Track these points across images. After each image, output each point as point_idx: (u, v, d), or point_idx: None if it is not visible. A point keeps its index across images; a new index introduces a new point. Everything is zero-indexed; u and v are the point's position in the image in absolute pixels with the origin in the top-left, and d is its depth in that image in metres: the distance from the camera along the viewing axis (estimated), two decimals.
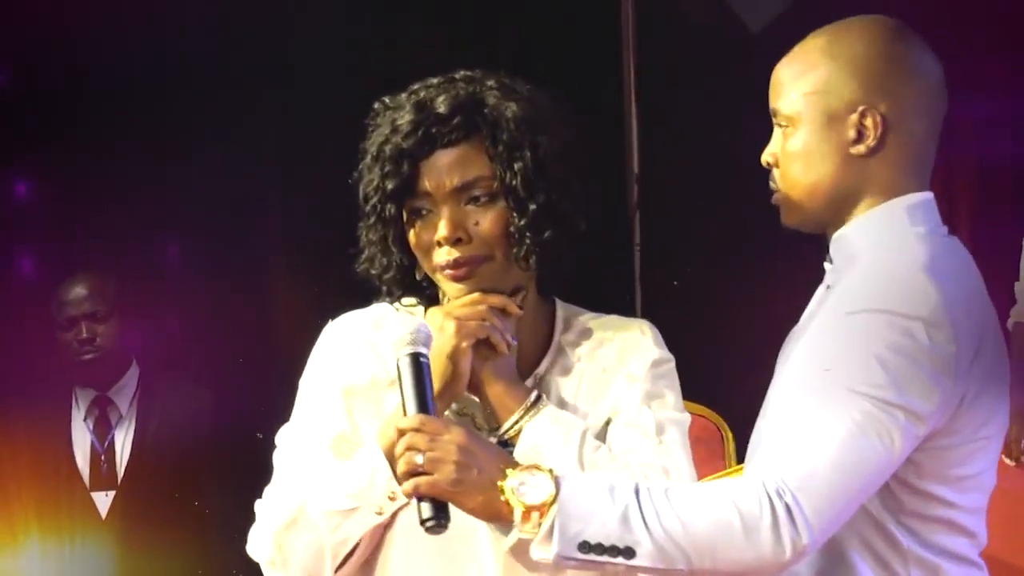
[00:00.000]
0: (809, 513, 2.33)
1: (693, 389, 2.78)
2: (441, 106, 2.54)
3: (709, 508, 2.33)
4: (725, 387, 3.89)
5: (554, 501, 2.33)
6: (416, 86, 2.61)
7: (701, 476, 3.97)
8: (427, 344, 2.46)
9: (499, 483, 2.35)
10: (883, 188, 2.58)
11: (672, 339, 2.67)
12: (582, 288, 2.70)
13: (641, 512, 2.33)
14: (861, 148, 2.56)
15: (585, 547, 2.32)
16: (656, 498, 2.34)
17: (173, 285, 5.36)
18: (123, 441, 5.21)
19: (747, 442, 2.67)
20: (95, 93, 5.48)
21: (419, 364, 2.44)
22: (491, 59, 2.68)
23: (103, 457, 5.20)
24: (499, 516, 2.37)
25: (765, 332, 2.68)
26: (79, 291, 5.23)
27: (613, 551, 2.32)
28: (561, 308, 2.69)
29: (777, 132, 2.62)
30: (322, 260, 2.70)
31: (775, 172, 2.62)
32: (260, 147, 5.52)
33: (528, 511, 2.34)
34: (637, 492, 2.35)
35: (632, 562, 2.32)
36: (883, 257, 2.51)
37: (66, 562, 5.14)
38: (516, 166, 2.53)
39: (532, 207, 2.53)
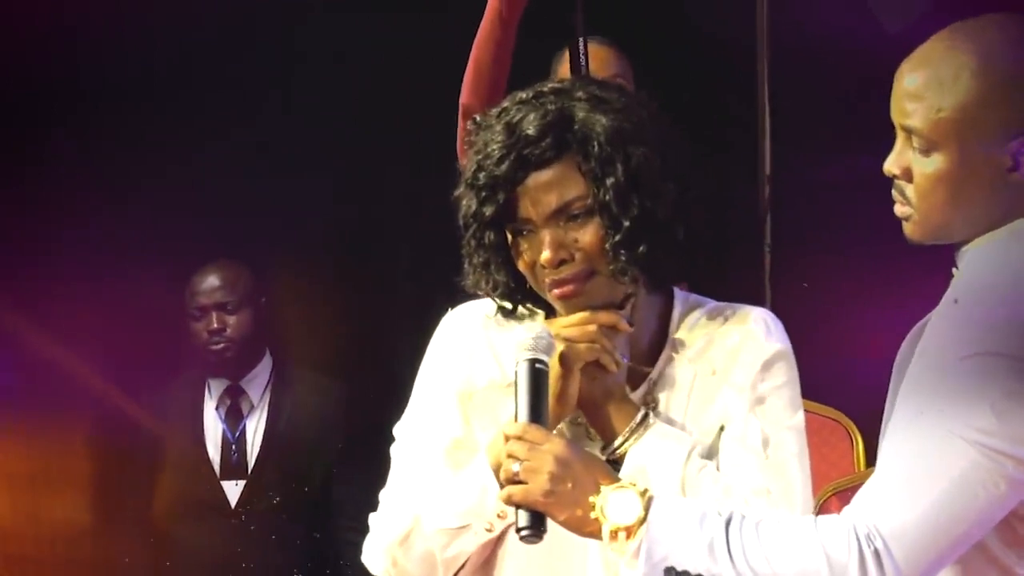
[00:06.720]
0: (900, 560, 2.30)
1: (823, 390, 2.78)
2: (530, 127, 2.52)
3: (797, 551, 2.31)
4: (855, 389, 3.86)
5: (642, 523, 2.33)
6: (505, 103, 2.58)
7: (831, 479, 3.94)
8: (548, 351, 2.48)
9: (591, 499, 2.36)
10: None
11: (802, 341, 2.67)
12: (712, 289, 2.70)
13: (728, 545, 2.32)
14: (1017, 176, 2.41)
15: (671, 572, 2.32)
16: (746, 533, 2.33)
17: (306, 277, 5.41)
18: (254, 431, 5.27)
19: (876, 445, 2.65)
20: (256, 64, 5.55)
21: (536, 372, 2.45)
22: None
23: (234, 447, 5.26)
24: (590, 531, 2.37)
25: (895, 334, 2.65)
26: (212, 281, 5.30)
27: None
28: (679, 302, 2.67)
29: (905, 143, 2.46)
30: (452, 252, 2.71)
31: (903, 186, 2.47)
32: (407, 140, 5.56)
33: (616, 530, 2.34)
34: (728, 524, 2.34)
35: None
36: (1005, 295, 2.38)
37: (197, 550, 5.21)
38: (608, 181, 2.50)
39: (626, 223, 2.50)
